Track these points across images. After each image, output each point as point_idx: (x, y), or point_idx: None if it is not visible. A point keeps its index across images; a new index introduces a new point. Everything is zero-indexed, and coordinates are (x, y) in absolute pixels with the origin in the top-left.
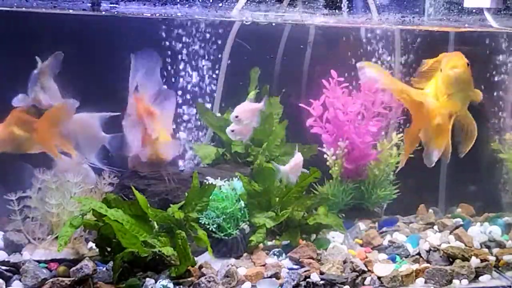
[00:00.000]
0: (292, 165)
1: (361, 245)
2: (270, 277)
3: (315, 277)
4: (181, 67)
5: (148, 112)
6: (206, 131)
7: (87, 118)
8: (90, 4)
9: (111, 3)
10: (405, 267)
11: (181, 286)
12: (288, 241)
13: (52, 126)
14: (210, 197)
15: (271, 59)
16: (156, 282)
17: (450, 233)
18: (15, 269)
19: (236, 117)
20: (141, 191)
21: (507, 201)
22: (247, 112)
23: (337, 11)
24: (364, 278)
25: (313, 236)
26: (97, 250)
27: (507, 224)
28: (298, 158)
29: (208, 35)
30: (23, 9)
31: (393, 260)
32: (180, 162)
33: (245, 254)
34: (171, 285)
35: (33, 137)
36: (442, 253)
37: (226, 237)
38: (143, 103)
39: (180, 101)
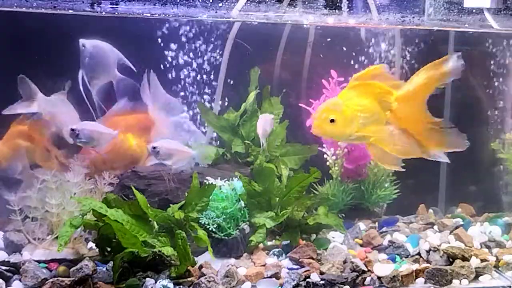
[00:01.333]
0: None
1: (361, 245)
2: (270, 277)
3: (315, 277)
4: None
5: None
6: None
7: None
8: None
9: (111, 4)
10: (405, 267)
11: (181, 286)
12: (288, 241)
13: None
14: (210, 197)
15: (271, 59)
16: (156, 282)
17: (450, 233)
18: (15, 269)
19: (72, 130)
20: (141, 191)
21: (507, 201)
22: (92, 131)
23: (337, 11)
24: (364, 278)
25: (313, 236)
26: (97, 250)
27: (507, 224)
28: None
29: (208, 35)
30: (23, 9)
31: (393, 260)
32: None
33: (245, 254)
34: (171, 285)
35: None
36: (442, 253)
37: (226, 237)
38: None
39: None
